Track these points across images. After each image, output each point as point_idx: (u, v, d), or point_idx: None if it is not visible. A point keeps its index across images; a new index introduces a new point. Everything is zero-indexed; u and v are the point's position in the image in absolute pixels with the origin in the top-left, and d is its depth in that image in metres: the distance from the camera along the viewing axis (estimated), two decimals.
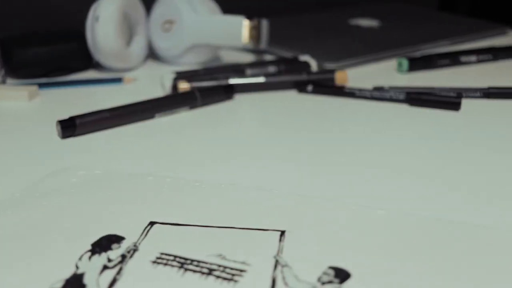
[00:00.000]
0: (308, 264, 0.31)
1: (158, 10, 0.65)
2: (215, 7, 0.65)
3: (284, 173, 0.42)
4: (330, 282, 0.30)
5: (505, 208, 0.37)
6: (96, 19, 0.60)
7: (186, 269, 0.31)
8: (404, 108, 0.54)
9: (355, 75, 0.63)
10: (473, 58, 0.67)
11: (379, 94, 0.56)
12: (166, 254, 0.32)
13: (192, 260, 0.32)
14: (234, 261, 0.32)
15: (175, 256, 0.32)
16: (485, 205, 0.38)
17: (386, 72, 0.65)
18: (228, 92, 0.56)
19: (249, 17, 0.63)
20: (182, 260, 0.32)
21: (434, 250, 0.33)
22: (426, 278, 0.30)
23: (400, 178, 0.41)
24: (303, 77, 0.59)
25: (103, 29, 0.60)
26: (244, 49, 0.72)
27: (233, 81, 0.57)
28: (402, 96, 0.55)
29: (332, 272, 0.31)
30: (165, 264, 0.31)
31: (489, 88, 0.56)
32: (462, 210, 0.37)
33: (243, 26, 0.62)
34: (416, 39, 0.73)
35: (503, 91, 0.56)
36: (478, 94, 0.56)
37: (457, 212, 0.37)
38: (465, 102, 0.55)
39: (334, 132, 0.49)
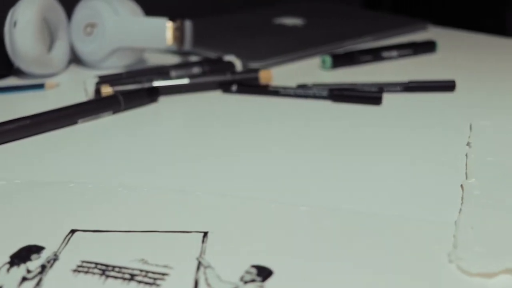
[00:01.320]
0: (231, 264, 0.31)
1: (79, 13, 0.64)
2: (136, 9, 0.65)
3: (209, 173, 0.42)
4: (252, 280, 0.30)
5: (426, 200, 0.38)
6: (14, 24, 0.58)
7: (108, 276, 0.31)
8: (328, 104, 0.55)
9: (280, 74, 0.64)
10: (394, 53, 0.69)
11: (302, 91, 0.56)
12: (87, 262, 0.32)
13: (114, 267, 0.31)
14: (157, 265, 0.31)
15: (96, 264, 0.32)
16: (407, 197, 0.39)
17: (311, 69, 0.66)
18: (152, 95, 0.55)
19: (172, 18, 0.62)
20: (104, 267, 0.31)
21: (356, 244, 0.33)
22: (348, 271, 0.31)
23: (323, 174, 0.42)
24: (228, 77, 0.59)
25: (21, 34, 0.58)
26: (168, 51, 0.72)
27: (157, 83, 0.57)
28: (325, 93, 0.56)
29: (254, 271, 0.31)
30: (86, 272, 0.31)
31: (409, 82, 0.58)
32: (385, 203, 0.38)
33: (167, 27, 0.61)
34: (340, 36, 0.75)
35: (422, 84, 0.58)
36: (398, 88, 0.58)
37: (379, 205, 0.38)
38: (387, 97, 0.57)
39: (259, 131, 0.49)
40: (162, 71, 0.61)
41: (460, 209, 0.37)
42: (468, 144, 0.46)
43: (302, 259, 0.32)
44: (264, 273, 0.31)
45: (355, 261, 0.32)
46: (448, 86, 0.58)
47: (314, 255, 0.32)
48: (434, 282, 0.30)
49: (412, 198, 0.39)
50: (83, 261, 0.32)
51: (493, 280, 0.31)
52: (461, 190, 0.39)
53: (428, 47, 0.71)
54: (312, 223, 0.35)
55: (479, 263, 0.31)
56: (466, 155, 0.44)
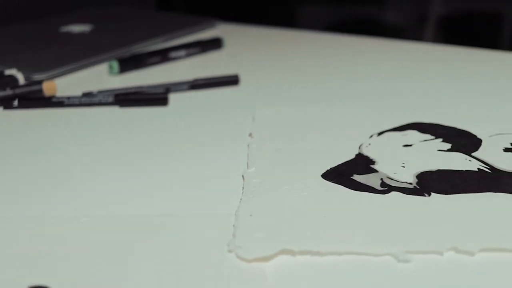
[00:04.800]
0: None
1: None
2: None
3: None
4: None
5: (210, 194, 0.39)
6: None
7: None
8: (115, 110, 0.54)
9: (67, 84, 0.62)
10: (182, 53, 0.70)
11: (88, 99, 0.55)
12: None
13: None
14: None
15: None
16: (192, 194, 0.39)
17: (99, 76, 0.65)
18: None
19: None
20: None
21: (140, 247, 0.33)
22: (136, 276, 0.31)
23: (109, 181, 0.41)
24: (8, 92, 0.56)
25: None
26: None
27: None
28: (111, 99, 0.55)
29: None
30: None
31: (195, 80, 0.59)
32: (170, 202, 0.38)
33: None
34: (129, 40, 0.74)
35: (208, 81, 0.59)
36: (185, 87, 0.58)
37: (163, 206, 0.38)
38: (174, 97, 0.57)
39: (46, 147, 0.47)
40: None
41: (241, 199, 0.38)
42: (250, 134, 0.48)
43: (83, 272, 0.31)
44: None
45: (141, 264, 0.32)
46: (232, 80, 0.60)
47: (96, 265, 0.32)
48: (216, 274, 0.31)
49: (197, 194, 0.39)
50: None
51: (271, 262, 0.32)
52: (242, 180, 0.41)
53: (215, 44, 0.73)
54: (95, 233, 0.35)
55: (257, 248, 0.32)
56: (248, 145, 0.46)
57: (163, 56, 0.68)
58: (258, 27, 0.86)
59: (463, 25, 1.36)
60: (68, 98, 0.55)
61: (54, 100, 0.55)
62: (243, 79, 0.61)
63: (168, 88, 0.58)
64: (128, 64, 0.65)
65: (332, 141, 0.46)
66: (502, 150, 0.44)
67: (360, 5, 1.36)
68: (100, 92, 0.56)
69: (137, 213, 0.37)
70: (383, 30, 1.35)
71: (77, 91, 0.58)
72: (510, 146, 0.45)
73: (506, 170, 0.41)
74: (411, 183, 0.39)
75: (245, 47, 0.76)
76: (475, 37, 1.27)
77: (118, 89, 0.57)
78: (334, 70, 0.67)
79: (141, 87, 0.57)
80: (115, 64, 0.64)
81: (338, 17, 1.36)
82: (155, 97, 0.55)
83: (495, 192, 0.38)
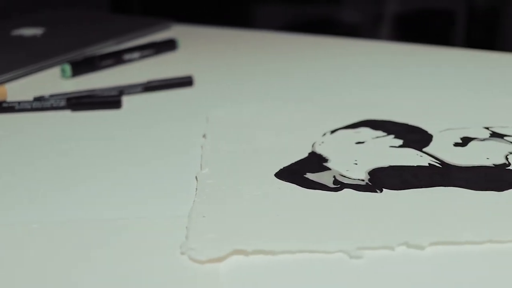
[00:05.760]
0: None
1: None
2: None
3: None
4: None
5: (164, 197, 0.39)
6: None
7: None
8: (67, 114, 0.54)
9: (19, 88, 0.61)
10: (136, 55, 0.69)
11: (40, 104, 0.54)
12: None
13: None
14: None
15: None
16: (146, 197, 0.39)
17: (52, 80, 0.64)
18: None
19: None
20: None
21: (93, 253, 0.33)
22: (88, 282, 0.30)
23: (61, 186, 0.41)
24: None
25: None
26: None
27: None
28: (63, 103, 0.54)
29: None
30: None
31: (148, 82, 0.58)
32: (123, 206, 0.38)
33: None
34: (82, 43, 0.73)
35: (161, 83, 0.59)
36: (139, 89, 0.58)
37: (115, 209, 0.37)
38: (127, 99, 0.57)
39: None
40: None
41: (194, 200, 0.38)
42: (204, 135, 0.48)
43: (31, 281, 0.31)
44: None
45: (92, 269, 0.31)
46: (186, 82, 0.59)
47: (46, 272, 0.31)
48: (169, 277, 0.31)
49: (150, 197, 0.39)
50: None
51: (224, 263, 0.32)
52: (196, 181, 0.41)
53: (169, 45, 0.72)
54: (46, 239, 0.34)
55: (210, 249, 0.32)
56: (202, 146, 0.46)
57: (116, 58, 0.67)
58: (213, 28, 0.86)
59: (417, 23, 1.38)
60: (19, 103, 0.54)
61: (4, 105, 0.54)
62: (197, 80, 0.61)
63: (122, 91, 0.57)
64: (81, 67, 0.64)
65: (285, 140, 0.46)
66: (452, 145, 0.45)
67: (316, 4, 1.37)
68: (52, 96, 0.56)
69: (90, 218, 0.37)
70: (339, 29, 1.36)
71: (28, 96, 0.57)
72: (460, 141, 0.45)
73: (456, 164, 0.42)
74: (363, 180, 0.40)
75: (200, 48, 0.76)
76: (429, 35, 1.29)
77: (71, 93, 0.56)
78: (289, 70, 0.67)
79: (93, 91, 0.57)
80: (68, 68, 0.63)
81: (294, 17, 1.37)
82: (108, 100, 0.54)
83: (445, 186, 0.39)
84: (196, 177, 0.41)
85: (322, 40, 0.79)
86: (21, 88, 0.61)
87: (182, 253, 0.33)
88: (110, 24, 0.85)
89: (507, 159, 0.42)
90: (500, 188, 0.38)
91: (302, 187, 0.39)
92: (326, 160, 0.43)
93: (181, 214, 0.36)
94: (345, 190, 0.38)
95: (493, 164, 0.42)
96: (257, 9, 1.38)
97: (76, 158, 0.45)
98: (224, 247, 0.32)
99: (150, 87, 0.58)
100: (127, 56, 0.68)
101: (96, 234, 0.35)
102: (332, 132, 0.47)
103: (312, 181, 0.40)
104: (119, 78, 0.63)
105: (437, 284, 0.30)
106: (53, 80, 0.64)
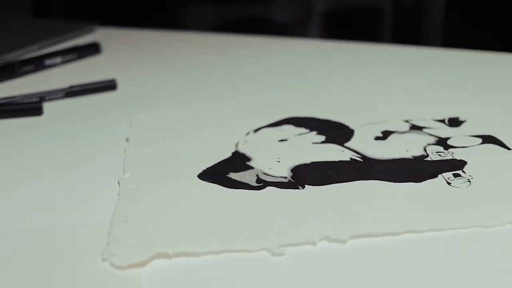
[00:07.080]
0: None
1: None
2: None
3: None
4: None
5: (85, 204, 0.39)
6: None
7: None
8: None
9: None
10: (58, 60, 0.67)
11: None
12: None
13: None
14: None
15: None
16: (65, 205, 0.38)
17: None
18: None
19: None
20: None
21: (11, 263, 0.32)
22: None
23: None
24: None
25: None
26: None
27: None
28: None
29: None
30: None
31: (70, 87, 0.57)
32: (43, 216, 0.37)
33: None
34: (1, 48, 0.71)
35: (84, 87, 0.58)
36: (60, 95, 0.57)
37: (36, 219, 0.37)
38: (49, 105, 0.55)
39: None
40: None
41: (116, 205, 0.37)
42: (127, 139, 0.47)
43: None
44: None
45: (13, 281, 0.30)
46: (109, 85, 0.59)
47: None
48: (91, 284, 0.30)
49: (72, 204, 0.38)
50: None
51: (146, 267, 0.32)
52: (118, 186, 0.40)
53: (92, 49, 0.71)
54: None
55: (132, 254, 0.32)
56: (125, 151, 0.45)
57: (37, 64, 0.66)
58: (139, 30, 0.85)
59: (345, 21, 1.40)
60: None
61: None
62: (121, 83, 0.60)
63: (42, 97, 0.56)
64: (0, 73, 0.63)
65: (209, 141, 0.46)
66: (373, 139, 0.46)
67: (245, 4, 1.37)
68: None
69: (10, 229, 0.35)
70: (270, 28, 1.37)
71: None
72: (381, 135, 0.46)
73: (376, 158, 0.43)
74: (286, 177, 0.40)
75: (125, 51, 0.75)
76: (356, 32, 1.31)
77: None
78: (214, 71, 0.67)
79: (13, 97, 0.55)
80: None
81: (223, 17, 1.37)
82: (28, 107, 0.53)
83: (366, 180, 0.39)
84: (118, 182, 0.40)
85: (252, 40, 0.79)
86: None
87: (104, 260, 0.32)
88: (32, 29, 0.83)
89: (425, 150, 0.44)
90: (419, 179, 0.39)
91: (225, 187, 0.39)
92: (249, 159, 0.43)
93: (104, 220, 0.36)
94: (268, 188, 0.39)
95: (412, 156, 0.43)
96: (187, 11, 1.38)
97: None
98: (146, 251, 0.32)
99: (72, 92, 0.57)
100: (48, 61, 0.66)
101: (16, 244, 0.34)
102: (256, 131, 0.47)
103: (235, 180, 0.40)
104: (41, 84, 0.61)
105: (359, 276, 0.31)
106: None
